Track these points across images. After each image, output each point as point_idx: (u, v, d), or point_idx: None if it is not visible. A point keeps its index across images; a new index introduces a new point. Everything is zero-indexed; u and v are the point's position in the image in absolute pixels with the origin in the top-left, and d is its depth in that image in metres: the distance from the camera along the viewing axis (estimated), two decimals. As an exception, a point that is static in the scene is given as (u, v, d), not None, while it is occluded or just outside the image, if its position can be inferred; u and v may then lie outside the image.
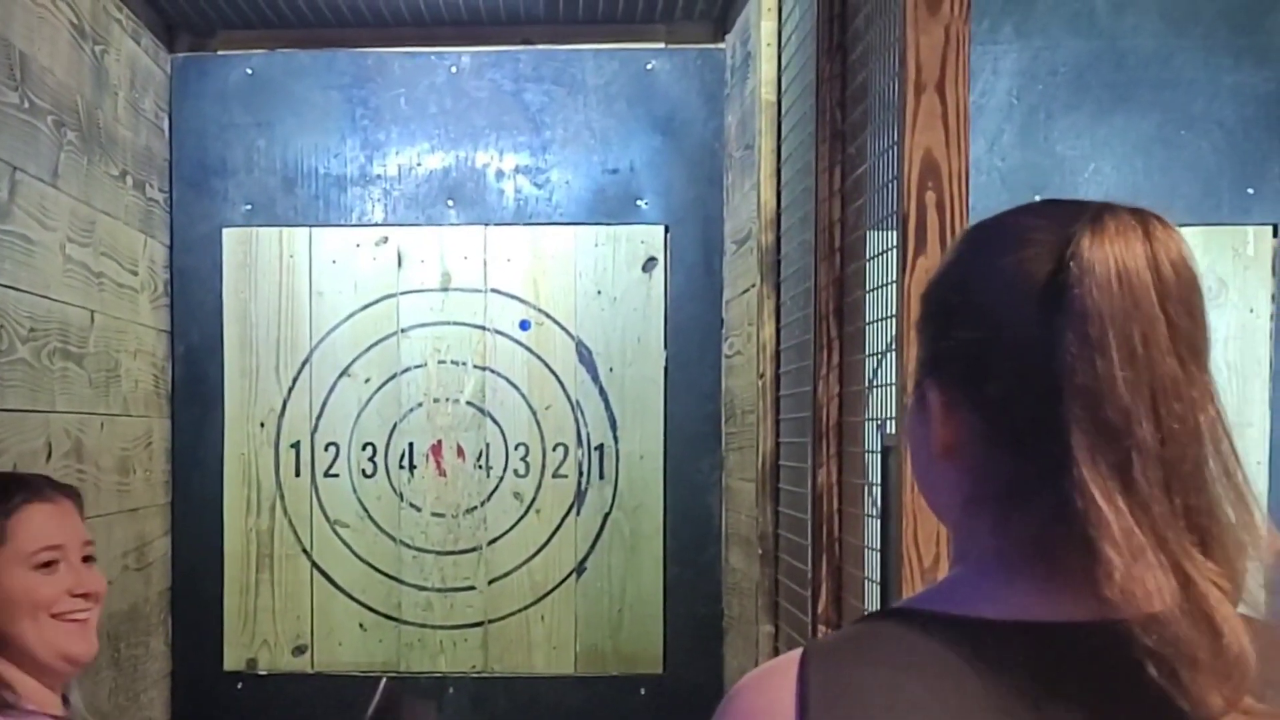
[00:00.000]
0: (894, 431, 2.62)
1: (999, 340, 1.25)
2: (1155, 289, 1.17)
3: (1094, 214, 1.23)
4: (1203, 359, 1.18)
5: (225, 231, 4.95)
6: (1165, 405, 1.16)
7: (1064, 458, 1.19)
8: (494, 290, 4.93)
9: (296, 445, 4.96)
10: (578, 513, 4.97)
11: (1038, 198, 4.33)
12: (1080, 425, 1.19)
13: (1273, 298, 4.40)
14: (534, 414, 4.94)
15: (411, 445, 4.94)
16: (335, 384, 4.93)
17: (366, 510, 4.95)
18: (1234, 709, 1.13)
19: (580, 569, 4.98)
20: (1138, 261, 1.18)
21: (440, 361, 4.93)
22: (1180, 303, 1.18)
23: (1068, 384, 1.19)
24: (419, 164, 4.95)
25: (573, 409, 4.95)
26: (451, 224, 4.95)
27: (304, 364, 4.94)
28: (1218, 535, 1.17)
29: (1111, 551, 1.16)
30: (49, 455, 3.73)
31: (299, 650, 4.97)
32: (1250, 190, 4.37)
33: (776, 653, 3.84)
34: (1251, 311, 4.38)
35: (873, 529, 2.84)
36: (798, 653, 1.25)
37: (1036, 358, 1.21)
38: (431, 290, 4.94)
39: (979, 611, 1.22)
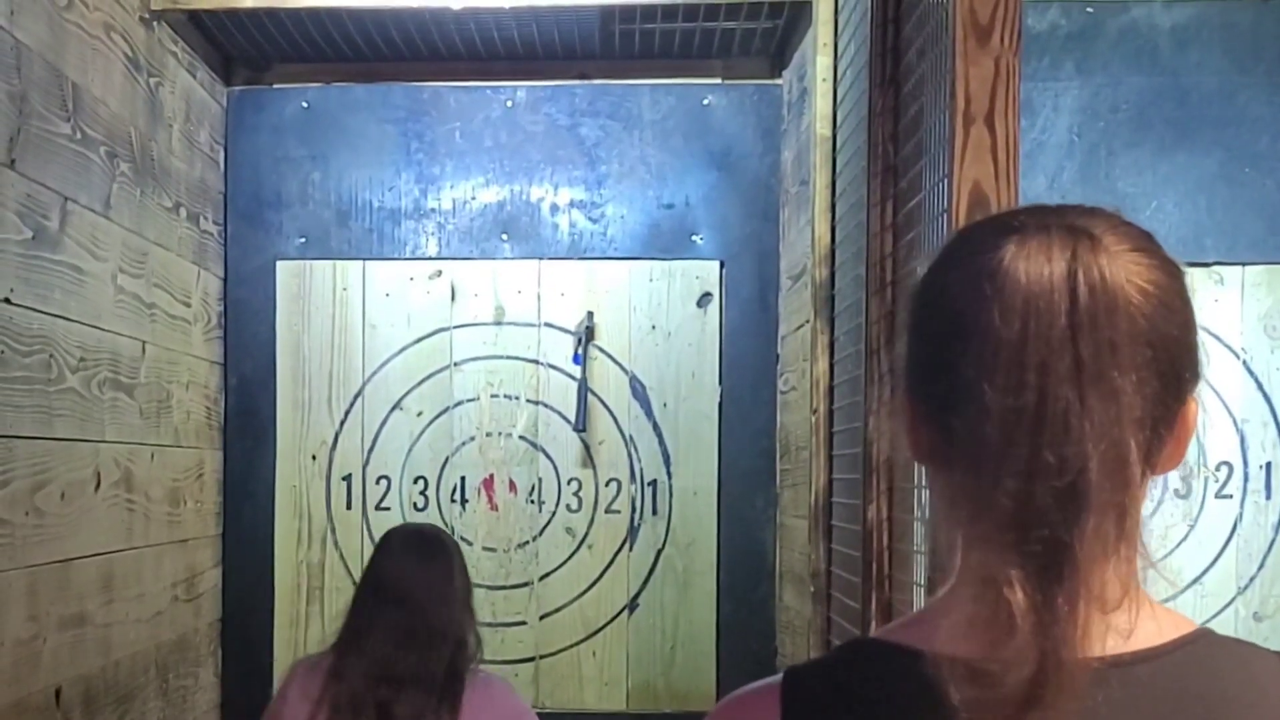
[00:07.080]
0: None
1: (935, 357, 1.23)
2: (1067, 315, 1.12)
3: (1028, 227, 1.19)
4: (1115, 389, 1.12)
5: (279, 264, 4.95)
6: (1049, 435, 1.12)
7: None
8: (547, 324, 4.91)
9: (348, 478, 4.94)
10: (630, 548, 4.94)
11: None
12: (959, 455, 1.18)
13: (1337, 337, 4.34)
14: (587, 449, 4.91)
15: (463, 479, 4.92)
16: (387, 417, 4.92)
17: (418, 544, 4.93)
18: None
19: (632, 605, 4.94)
20: (1054, 282, 1.13)
21: (493, 395, 4.91)
22: (1096, 329, 1.12)
23: (959, 411, 1.17)
24: (473, 198, 4.94)
25: (626, 444, 4.92)
26: (505, 258, 4.94)
27: (356, 397, 4.93)
28: (1080, 566, 1.13)
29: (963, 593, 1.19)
30: (98, 485, 3.73)
31: (349, 684, 4.94)
32: (1316, 229, 4.32)
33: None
34: (1316, 351, 4.32)
35: (923, 565, 2.81)
36: (779, 676, 1.29)
37: (954, 379, 1.18)
38: (485, 324, 4.92)
39: (918, 643, 1.22)
